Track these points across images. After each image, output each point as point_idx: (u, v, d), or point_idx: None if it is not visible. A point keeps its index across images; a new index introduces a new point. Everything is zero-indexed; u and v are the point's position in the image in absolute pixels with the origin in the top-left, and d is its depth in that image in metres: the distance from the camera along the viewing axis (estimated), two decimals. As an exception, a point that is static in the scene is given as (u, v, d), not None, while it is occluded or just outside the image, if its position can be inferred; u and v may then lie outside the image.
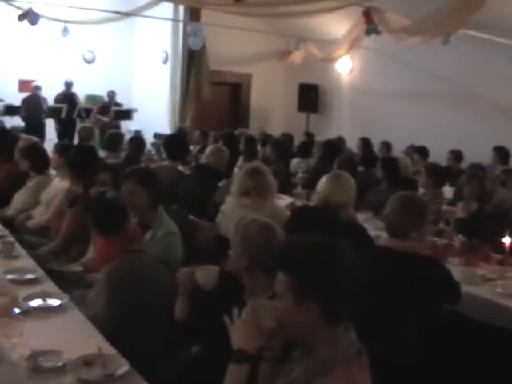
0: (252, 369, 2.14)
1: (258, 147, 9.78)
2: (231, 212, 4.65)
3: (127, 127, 13.27)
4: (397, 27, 9.86)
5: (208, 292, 2.95)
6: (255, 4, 9.67)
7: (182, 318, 3.02)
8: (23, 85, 13.82)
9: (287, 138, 10.24)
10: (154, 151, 9.25)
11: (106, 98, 13.97)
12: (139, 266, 3.32)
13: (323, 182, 4.52)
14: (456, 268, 4.21)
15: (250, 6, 9.69)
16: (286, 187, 7.38)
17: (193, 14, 12.98)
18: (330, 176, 4.53)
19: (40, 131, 11.97)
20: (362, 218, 5.51)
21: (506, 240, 4.36)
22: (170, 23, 13.49)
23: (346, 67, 14.08)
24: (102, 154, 7.63)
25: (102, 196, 3.52)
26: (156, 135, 12.74)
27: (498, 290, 4.00)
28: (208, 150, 6.52)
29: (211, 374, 2.34)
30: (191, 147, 9.29)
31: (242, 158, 7.79)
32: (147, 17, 12.99)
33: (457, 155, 9.36)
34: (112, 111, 13.25)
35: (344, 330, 2.09)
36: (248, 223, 2.89)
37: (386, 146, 10.44)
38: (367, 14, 10.10)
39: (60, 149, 6.00)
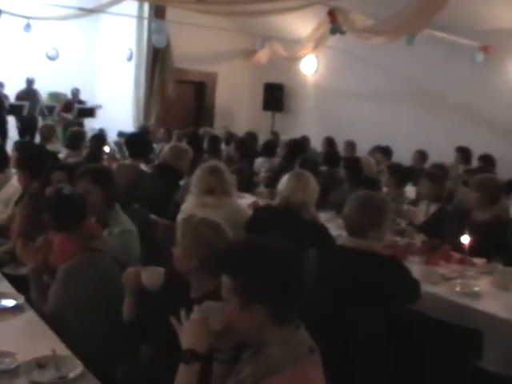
0: (203, 369, 2.12)
1: (222, 146, 9.75)
2: (192, 211, 4.60)
3: (91, 125, 13.12)
4: (361, 27, 9.92)
5: (154, 292, 2.93)
6: (218, 2, 9.62)
7: (129, 319, 3.00)
8: (-16, 82, 13.57)
9: (251, 136, 10.22)
10: (116, 150, 9.15)
11: (69, 96, 13.79)
12: (97, 265, 3.27)
13: (284, 181, 4.52)
14: (416, 267, 4.25)
15: (213, 4, 9.64)
16: (249, 186, 7.38)
17: (158, 12, 12.89)
18: (291, 175, 4.53)
19: (1, 129, 11.76)
20: (324, 217, 5.53)
21: (465, 239, 4.39)
22: (134, 20, 13.40)
23: (311, 67, 14.13)
24: (64, 152, 7.54)
25: (59, 192, 3.45)
26: (120, 133, 12.61)
27: (457, 289, 4.03)
28: (166, 147, 6.44)
29: (163, 375, 2.32)
30: (155, 146, 9.22)
31: (205, 156, 7.74)
32: (112, 14, 12.84)
33: (422, 155, 9.47)
34: (75, 109, 13.09)
35: (294, 329, 2.08)
36: (198, 222, 2.86)
37: (351, 145, 10.49)
38: (332, 14, 10.13)
39: (20, 147, 5.89)
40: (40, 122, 12.95)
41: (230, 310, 2.07)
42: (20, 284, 3.56)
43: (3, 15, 11.46)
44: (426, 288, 3.82)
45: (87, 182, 4.05)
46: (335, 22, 10.24)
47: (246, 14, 11.24)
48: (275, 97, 14.56)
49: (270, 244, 2.13)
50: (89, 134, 9.03)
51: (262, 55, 14.32)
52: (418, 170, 7.67)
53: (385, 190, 6.57)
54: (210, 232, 2.80)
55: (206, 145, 8.46)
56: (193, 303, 2.33)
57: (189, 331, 2.16)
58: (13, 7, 12.04)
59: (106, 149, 8.21)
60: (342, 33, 10.32)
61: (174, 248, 2.87)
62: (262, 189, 7.20)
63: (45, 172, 4.70)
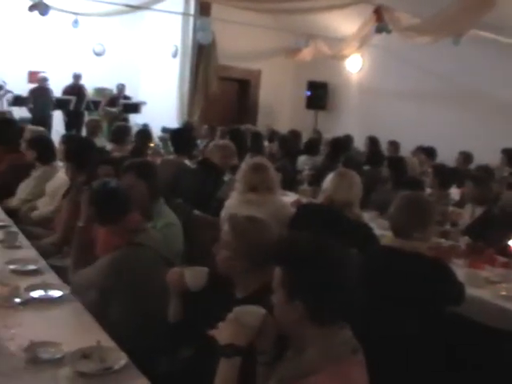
0: (244, 368, 2.14)
1: (265, 143, 9.76)
2: (236, 208, 4.62)
3: (135, 121, 13.26)
4: (406, 26, 9.83)
5: (198, 293, 2.91)
6: (269, 0, 9.62)
7: (175, 320, 2.99)
8: (32, 76, 13.82)
9: (294, 134, 10.20)
10: (161, 145, 9.23)
11: (114, 91, 13.95)
12: (139, 260, 3.30)
13: (328, 179, 4.49)
14: (460, 269, 4.18)
15: (258, 1, 9.64)
16: (291, 184, 7.36)
17: (203, 9, 12.99)
18: (335, 174, 4.50)
19: (46, 123, 11.95)
20: (367, 216, 5.48)
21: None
22: (180, 17, 13.49)
23: (355, 65, 14.04)
24: (108, 146, 7.62)
25: (104, 185, 3.50)
26: (164, 129, 12.74)
27: (503, 292, 3.97)
28: (211, 144, 6.47)
29: (204, 376, 2.33)
30: (198, 142, 9.27)
31: (249, 154, 7.76)
32: (158, 10, 12.99)
33: (466, 157, 9.32)
34: (120, 104, 13.25)
35: (337, 329, 2.07)
36: (243, 220, 2.84)
37: (394, 145, 10.41)
38: (378, 12, 10.09)
39: (67, 140, 5.98)
40: (86, 117, 13.17)
41: (276, 301, 2.10)
42: (66, 275, 3.62)
43: (52, 11, 11.66)
44: (470, 291, 3.76)
45: (132, 175, 4.09)
46: (381, 20, 10.19)
47: (290, 12, 11.25)
48: (318, 95, 14.51)
49: (324, 242, 2.13)
50: (133, 129, 9.12)
51: (306, 53, 14.27)
52: (463, 172, 7.57)
53: (428, 191, 6.50)
54: (254, 230, 2.77)
55: (248, 142, 8.47)
56: (237, 303, 2.34)
57: (226, 327, 2.19)
58: (61, 3, 12.25)
59: (152, 144, 8.29)
60: (388, 31, 10.27)
61: (216, 246, 2.84)
62: (305, 187, 7.18)
63: (91, 165, 4.76)
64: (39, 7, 11.31)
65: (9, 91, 12.88)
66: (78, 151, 5.13)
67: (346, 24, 12.08)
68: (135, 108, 13.51)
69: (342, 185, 4.38)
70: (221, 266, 2.79)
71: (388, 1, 9.52)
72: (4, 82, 12.76)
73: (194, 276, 2.89)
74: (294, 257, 2.09)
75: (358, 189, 4.46)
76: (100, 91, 14.39)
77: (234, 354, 2.14)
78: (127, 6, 12.97)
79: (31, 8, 11.52)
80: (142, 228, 3.49)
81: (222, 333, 2.19)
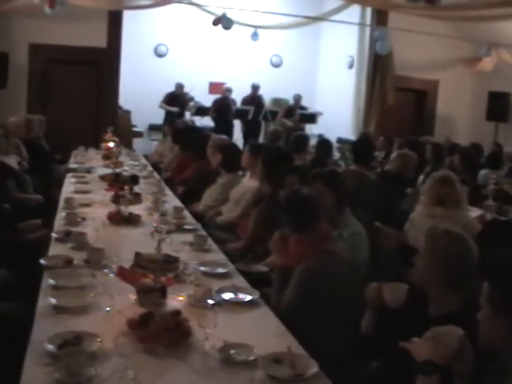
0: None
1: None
2: (421, 221, 4.54)
3: (310, 131, 13.40)
4: None
5: (395, 309, 2.88)
6: (450, 7, 9.28)
7: (368, 332, 2.98)
8: (213, 87, 14.46)
9: (476, 148, 9.79)
10: (339, 156, 9.23)
11: (291, 101, 14.17)
12: (331, 267, 3.31)
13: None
14: None
15: (443, 9, 9.33)
16: (473, 199, 7.07)
17: (380, 19, 12.86)
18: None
19: (228, 132, 12.39)
20: None
21: None
22: (356, 28, 13.46)
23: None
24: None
25: (296, 193, 3.57)
26: (339, 140, 12.75)
27: None
28: (394, 155, 6.40)
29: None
30: (376, 153, 9.18)
31: (428, 166, 7.59)
32: (334, 21, 13.08)
33: None
34: (297, 114, 13.44)
35: None
36: (437, 231, 2.78)
37: None
38: None
39: (253, 148, 6.13)
40: (263, 127, 13.52)
41: (482, 317, 2.07)
42: (253, 280, 3.71)
43: (234, 25, 12.13)
44: None
45: (320, 184, 4.15)
46: None
47: (474, 19, 10.81)
48: (499, 106, 13.84)
49: None
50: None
51: (487, 62, 13.68)
52: None
53: None
54: (452, 244, 2.70)
55: (427, 153, 8.26)
56: (431, 320, 2.29)
57: (424, 344, 2.14)
58: (242, 17, 12.71)
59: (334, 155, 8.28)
60: None
61: (416, 258, 2.80)
62: (489, 202, 6.87)
63: (279, 174, 4.86)
64: (223, 21, 11.80)
65: (197, 102, 13.50)
66: (274, 161, 5.25)
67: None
68: (311, 118, 13.62)
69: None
70: (416, 276, 2.75)
71: None
72: (187, 93, 13.40)
73: (393, 292, 2.88)
74: (503, 274, 2.02)
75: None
76: (277, 101, 14.73)
77: (433, 371, 2.08)
78: (306, 17, 13.20)
79: (215, 22, 12.06)
80: (330, 236, 3.50)
81: (420, 349, 2.14)
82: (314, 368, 2.57)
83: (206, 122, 13.49)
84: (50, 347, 2.56)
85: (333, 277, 3.28)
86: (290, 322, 3.05)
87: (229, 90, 13.50)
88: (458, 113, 14.62)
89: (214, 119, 13.35)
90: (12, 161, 6.60)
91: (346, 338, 3.06)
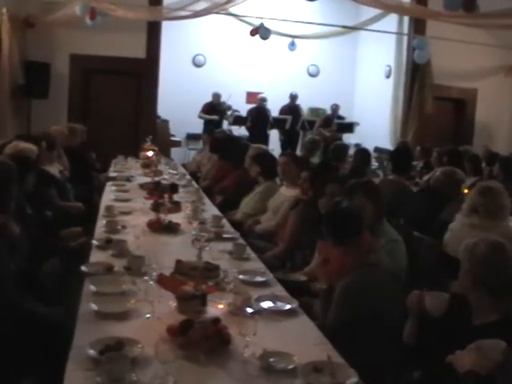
0: None
1: (483, 165, 9.34)
2: (460, 231, 4.49)
3: (348, 140, 13.35)
4: None
5: (436, 318, 2.87)
6: (489, 15, 9.18)
7: (410, 341, 2.96)
8: (250, 96, 14.52)
9: (517, 157, 9.65)
10: (377, 165, 9.18)
11: (328, 111, 14.18)
12: (375, 282, 3.29)
13: None
14: None
15: (482, 17, 9.22)
16: (515, 210, 6.96)
17: (417, 27, 12.79)
18: None
19: (263, 141, 12.43)
20: None
21: None
22: (393, 37, 13.39)
23: None
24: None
25: (338, 205, 3.56)
26: (376, 149, 12.69)
27: None
28: (439, 171, 6.30)
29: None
30: (414, 163, 9.11)
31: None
32: (371, 30, 13.04)
33: None
34: (334, 124, 13.41)
35: None
36: (477, 241, 2.76)
37: None
38: None
39: (302, 161, 6.16)
40: (301, 136, 13.52)
41: None
42: (292, 289, 3.71)
43: (272, 35, 12.17)
44: None
45: (359, 195, 4.15)
46: None
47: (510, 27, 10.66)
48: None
49: None
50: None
51: (527, 71, 13.51)
52: None
53: None
54: (486, 250, 2.69)
55: (465, 163, 8.16)
56: (474, 331, 2.27)
57: (466, 355, 2.12)
58: (279, 27, 12.76)
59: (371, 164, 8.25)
60: None
61: (458, 268, 2.78)
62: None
63: (319, 183, 4.87)
64: (260, 31, 11.85)
65: (235, 111, 13.58)
66: (321, 170, 5.27)
67: None
68: (349, 128, 13.60)
69: None
70: (459, 290, 2.73)
71: None
72: (225, 102, 13.49)
73: (435, 300, 2.88)
74: None
75: None
76: (314, 111, 14.73)
77: (475, 382, 2.06)
78: (343, 27, 13.18)
79: (252, 32, 12.12)
80: (373, 249, 3.49)
81: (463, 360, 2.12)
82: (353, 378, 2.55)
83: (243, 131, 13.56)
84: (92, 352, 2.60)
85: (376, 290, 3.25)
86: (336, 339, 3.04)
87: (264, 100, 13.52)
88: (497, 122, 14.43)
89: (249, 128, 13.39)
90: (54, 169, 6.70)
91: (388, 347, 3.04)
